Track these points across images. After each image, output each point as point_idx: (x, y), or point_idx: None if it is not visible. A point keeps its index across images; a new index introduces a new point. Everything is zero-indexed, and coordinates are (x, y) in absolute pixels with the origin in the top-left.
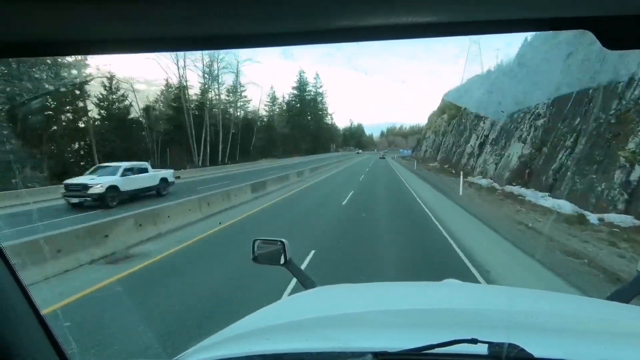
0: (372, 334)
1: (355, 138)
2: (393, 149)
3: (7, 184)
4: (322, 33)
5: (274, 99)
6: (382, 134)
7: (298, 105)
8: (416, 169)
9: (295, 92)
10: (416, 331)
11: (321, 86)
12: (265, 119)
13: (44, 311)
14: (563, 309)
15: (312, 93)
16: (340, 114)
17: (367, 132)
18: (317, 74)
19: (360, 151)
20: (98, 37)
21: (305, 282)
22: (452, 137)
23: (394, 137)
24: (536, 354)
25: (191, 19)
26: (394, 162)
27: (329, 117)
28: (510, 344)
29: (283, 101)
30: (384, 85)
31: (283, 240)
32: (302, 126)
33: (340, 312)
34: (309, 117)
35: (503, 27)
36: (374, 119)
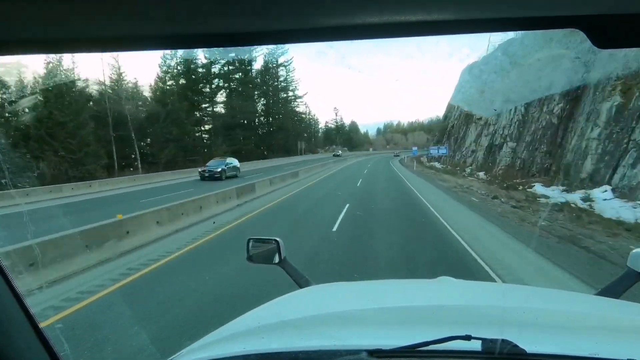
0: (366, 331)
1: (343, 135)
2: (392, 147)
3: None
4: (315, 31)
5: (186, 66)
6: (378, 131)
7: (229, 74)
8: None
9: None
10: (410, 328)
11: (283, 53)
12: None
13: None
14: (555, 305)
15: (262, 63)
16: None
17: (362, 129)
18: None
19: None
20: (87, 36)
21: (300, 281)
22: None
23: (392, 135)
24: (529, 350)
25: (183, 17)
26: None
27: (302, 104)
28: (503, 340)
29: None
30: (378, 83)
31: (277, 239)
32: (244, 113)
33: (335, 310)
34: (262, 100)
35: (494, 25)
36: (370, 117)
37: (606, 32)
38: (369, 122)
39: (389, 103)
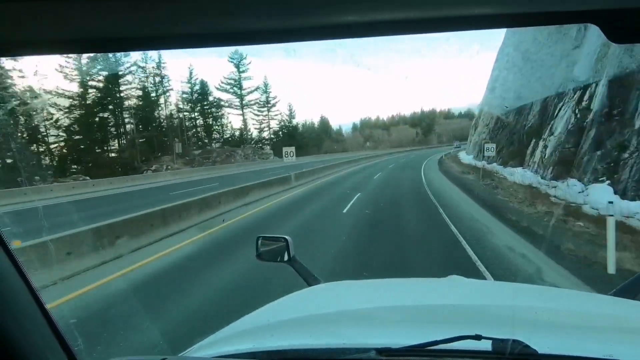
0: (376, 330)
1: (288, 128)
2: (374, 145)
3: None
4: (324, 29)
5: None
6: (354, 127)
7: None
8: None
9: None
10: (420, 327)
11: None
12: None
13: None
14: (567, 305)
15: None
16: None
17: (335, 127)
18: None
19: None
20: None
21: (309, 279)
22: None
23: (371, 131)
24: (540, 350)
25: (190, 16)
26: None
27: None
28: (514, 340)
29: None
30: (356, 79)
31: (287, 237)
32: None
33: (344, 308)
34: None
35: (508, 21)
36: (345, 115)
37: (622, 27)
38: (344, 120)
39: (366, 99)
